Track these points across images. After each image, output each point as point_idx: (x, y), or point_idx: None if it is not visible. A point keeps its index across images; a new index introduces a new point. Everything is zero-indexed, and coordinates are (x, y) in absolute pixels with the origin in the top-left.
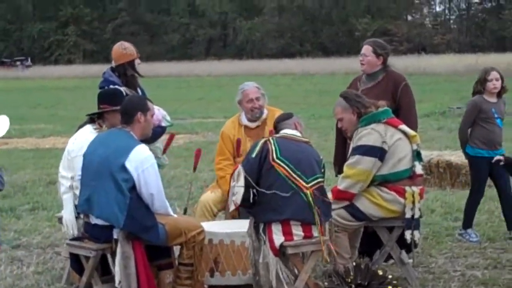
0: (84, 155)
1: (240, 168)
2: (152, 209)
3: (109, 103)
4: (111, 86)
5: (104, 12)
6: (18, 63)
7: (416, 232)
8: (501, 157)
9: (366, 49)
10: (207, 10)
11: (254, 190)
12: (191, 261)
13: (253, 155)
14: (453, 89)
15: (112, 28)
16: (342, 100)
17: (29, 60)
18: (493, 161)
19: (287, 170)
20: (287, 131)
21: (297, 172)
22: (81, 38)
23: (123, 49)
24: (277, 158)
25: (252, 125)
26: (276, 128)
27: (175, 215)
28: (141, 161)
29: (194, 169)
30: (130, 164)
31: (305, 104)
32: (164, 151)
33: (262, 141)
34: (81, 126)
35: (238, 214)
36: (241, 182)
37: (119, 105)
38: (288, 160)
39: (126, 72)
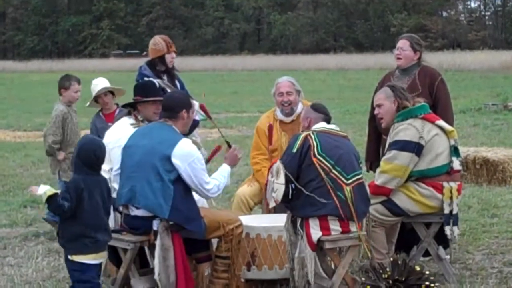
0: (125, 147)
1: (279, 163)
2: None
3: (141, 95)
4: (145, 79)
5: (138, 6)
6: None
7: (455, 228)
8: None
9: (404, 43)
10: (242, 4)
11: (293, 185)
12: (228, 254)
13: (294, 150)
14: (488, 86)
15: (146, 22)
16: (387, 89)
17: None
18: None
19: (327, 166)
20: (325, 125)
21: (337, 168)
22: (115, 32)
23: (153, 44)
24: (318, 154)
25: (287, 119)
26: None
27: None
28: (187, 153)
29: (207, 161)
30: (176, 156)
31: (339, 99)
32: (208, 161)
33: (303, 135)
34: (119, 118)
35: (274, 209)
36: (281, 179)
37: (150, 97)
38: (328, 156)
39: (156, 67)
